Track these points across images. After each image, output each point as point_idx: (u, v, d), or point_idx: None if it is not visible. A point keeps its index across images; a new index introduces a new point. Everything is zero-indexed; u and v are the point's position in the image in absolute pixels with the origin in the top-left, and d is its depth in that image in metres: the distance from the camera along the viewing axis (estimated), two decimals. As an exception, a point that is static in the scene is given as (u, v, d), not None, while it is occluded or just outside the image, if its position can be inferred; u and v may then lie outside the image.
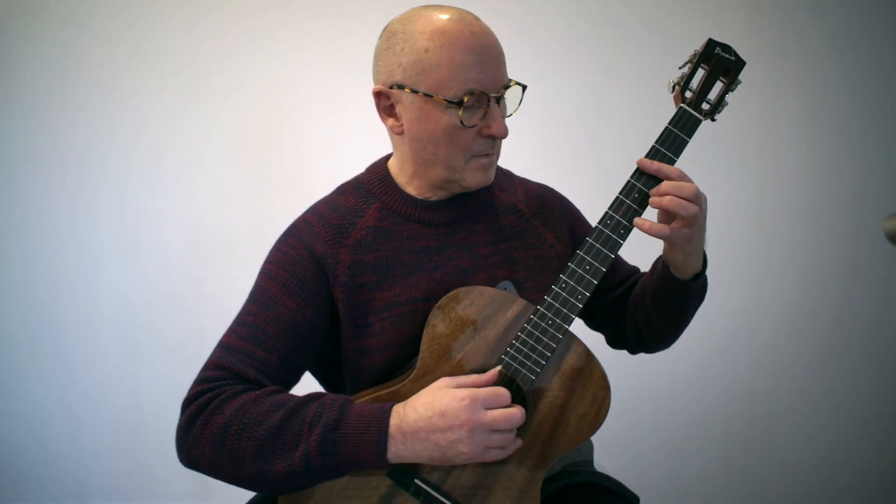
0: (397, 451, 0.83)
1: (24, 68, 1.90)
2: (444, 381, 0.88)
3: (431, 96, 0.91)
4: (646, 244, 1.18)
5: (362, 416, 0.84)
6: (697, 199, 0.90)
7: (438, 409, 0.83)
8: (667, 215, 0.94)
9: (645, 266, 1.18)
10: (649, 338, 1.12)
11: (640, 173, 0.93)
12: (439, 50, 0.89)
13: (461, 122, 0.91)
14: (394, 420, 0.84)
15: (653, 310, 1.06)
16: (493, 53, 0.91)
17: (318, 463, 0.83)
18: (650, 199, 0.92)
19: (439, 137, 0.93)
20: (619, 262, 1.20)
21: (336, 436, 0.83)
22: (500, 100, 0.93)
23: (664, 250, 0.99)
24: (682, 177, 0.91)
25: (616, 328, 1.18)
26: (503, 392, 0.86)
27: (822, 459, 2.05)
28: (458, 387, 0.86)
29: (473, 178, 0.97)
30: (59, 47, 1.89)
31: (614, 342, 1.22)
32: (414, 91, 0.92)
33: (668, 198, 0.90)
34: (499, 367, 0.91)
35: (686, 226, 0.91)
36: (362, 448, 0.83)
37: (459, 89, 0.89)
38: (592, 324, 1.23)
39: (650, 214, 0.94)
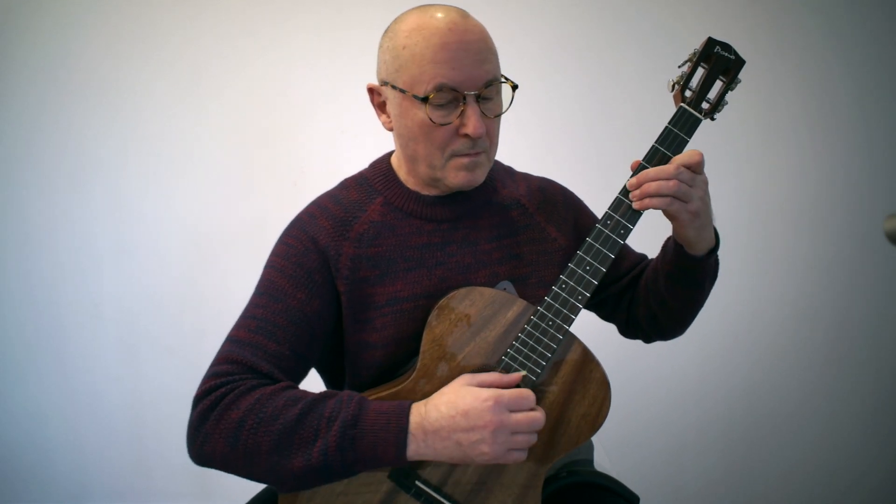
0: (417, 448, 0.83)
1: (20, 68, 1.89)
2: (465, 377, 0.88)
3: (406, 92, 0.91)
4: (651, 235, 1.19)
5: (381, 412, 0.84)
6: (676, 176, 0.90)
7: (462, 409, 0.82)
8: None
9: (652, 253, 1.18)
10: (665, 323, 1.10)
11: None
12: (414, 46, 0.90)
13: (430, 118, 0.91)
14: (414, 418, 0.84)
15: (667, 292, 1.05)
16: (473, 50, 0.90)
17: (336, 459, 0.82)
18: (634, 204, 0.92)
19: (417, 134, 0.94)
20: (626, 250, 1.19)
21: (355, 432, 0.82)
22: (479, 98, 0.92)
23: (675, 230, 0.98)
24: (659, 173, 0.91)
25: (628, 317, 1.17)
26: (528, 395, 0.86)
27: (823, 461, 2.05)
28: (479, 384, 0.86)
29: (455, 178, 0.96)
30: (55, 47, 1.88)
31: (627, 331, 1.21)
32: (394, 87, 0.93)
33: (653, 185, 0.90)
34: (523, 372, 0.90)
35: (683, 201, 0.91)
36: (381, 445, 0.82)
37: (428, 85, 0.89)
38: (603, 314, 1.22)
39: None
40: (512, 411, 0.84)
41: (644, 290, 1.11)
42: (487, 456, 0.83)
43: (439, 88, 0.89)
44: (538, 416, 0.85)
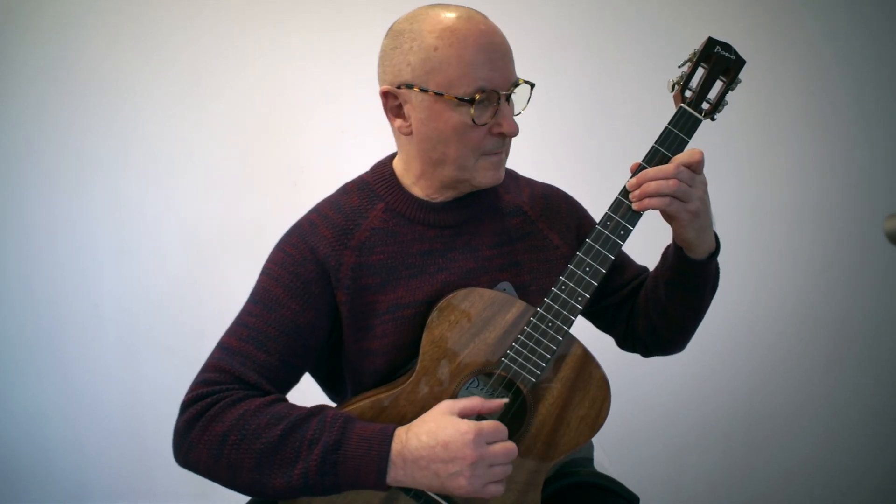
0: (396, 476, 0.83)
1: (21, 68, 1.89)
2: (445, 405, 0.87)
3: (442, 94, 0.90)
4: (650, 243, 1.18)
5: (364, 438, 0.84)
6: (676, 175, 0.89)
7: (442, 440, 0.82)
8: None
9: (652, 264, 1.17)
10: (666, 334, 1.09)
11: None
12: (449, 48, 0.89)
13: (473, 119, 0.90)
14: (395, 445, 0.83)
15: (668, 300, 1.04)
16: (502, 51, 0.92)
17: (317, 481, 0.83)
18: (633, 205, 0.92)
19: (449, 136, 0.93)
20: (627, 261, 1.18)
21: (336, 456, 0.83)
22: (509, 98, 0.93)
23: (675, 232, 0.97)
24: (658, 173, 0.90)
25: (627, 329, 1.16)
26: (503, 427, 0.86)
27: (824, 462, 2.05)
28: (461, 411, 0.86)
29: (484, 177, 0.96)
30: (55, 47, 1.88)
31: (625, 344, 1.20)
32: (423, 90, 0.91)
33: (652, 185, 0.89)
34: (504, 400, 0.90)
35: (683, 200, 0.90)
36: (362, 470, 0.83)
37: (471, 87, 0.89)
38: (601, 324, 1.21)
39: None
40: (489, 443, 0.84)
41: (644, 300, 1.09)
42: (464, 489, 0.82)
43: (482, 89, 0.90)
44: (513, 446, 0.85)
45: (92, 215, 1.96)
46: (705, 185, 0.93)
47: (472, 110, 0.90)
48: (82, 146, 1.93)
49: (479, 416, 0.88)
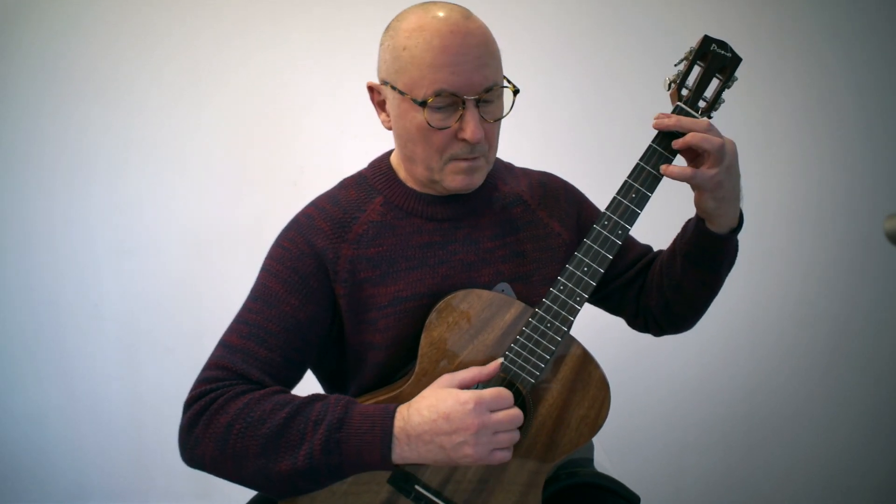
0: (402, 452, 0.83)
1: (20, 68, 1.89)
2: (444, 379, 0.87)
3: (405, 94, 0.90)
4: (655, 231, 1.18)
5: (366, 415, 0.84)
6: (719, 137, 0.89)
7: (443, 412, 0.82)
8: (693, 161, 0.93)
9: (656, 246, 1.17)
10: (679, 310, 1.08)
11: (636, 174, 0.93)
12: (414, 49, 0.88)
13: (428, 123, 0.90)
14: (398, 422, 0.83)
15: (683, 274, 1.03)
16: (473, 55, 0.88)
17: (322, 462, 0.82)
18: (673, 142, 0.90)
19: (415, 136, 0.93)
20: (630, 241, 1.18)
21: (340, 435, 0.82)
22: (479, 102, 0.90)
23: (695, 200, 0.96)
24: (708, 126, 0.90)
25: (637, 308, 1.15)
26: (506, 393, 0.85)
27: (824, 463, 2.05)
28: (460, 383, 0.86)
29: (452, 181, 0.95)
30: (55, 47, 1.88)
31: (636, 323, 1.18)
32: (393, 88, 0.92)
33: (690, 134, 0.88)
34: (500, 360, 0.90)
35: (712, 165, 0.89)
36: (366, 448, 0.82)
37: (428, 89, 0.88)
38: (609, 307, 1.20)
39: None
40: (492, 411, 0.83)
41: (658, 275, 1.08)
42: (471, 458, 0.82)
43: (438, 93, 0.88)
44: (518, 411, 0.85)
45: (92, 215, 1.96)
46: (735, 154, 0.92)
47: (425, 113, 0.89)
48: (82, 146, 1.93)
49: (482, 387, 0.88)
